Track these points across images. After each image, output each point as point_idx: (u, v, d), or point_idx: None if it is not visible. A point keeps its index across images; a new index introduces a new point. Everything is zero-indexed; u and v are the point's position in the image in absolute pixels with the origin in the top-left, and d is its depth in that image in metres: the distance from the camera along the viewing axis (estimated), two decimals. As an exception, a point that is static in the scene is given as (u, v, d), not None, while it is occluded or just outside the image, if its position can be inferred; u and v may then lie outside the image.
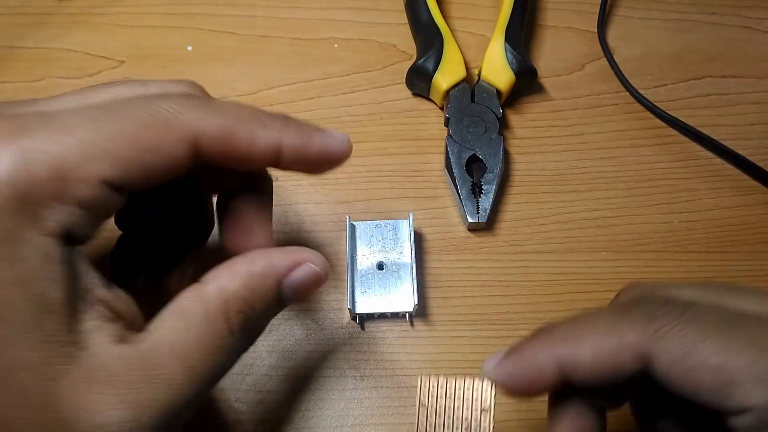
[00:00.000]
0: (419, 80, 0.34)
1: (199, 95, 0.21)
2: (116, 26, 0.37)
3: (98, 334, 0.17)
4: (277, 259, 0.21)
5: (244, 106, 0.20)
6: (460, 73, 0.33)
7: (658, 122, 0.35)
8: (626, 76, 0.36)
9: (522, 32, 0.35)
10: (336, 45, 0.37)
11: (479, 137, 0.33)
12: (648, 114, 0.35)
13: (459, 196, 0.31)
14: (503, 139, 0.32)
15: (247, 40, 0.37)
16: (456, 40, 0.34)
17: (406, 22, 0.37)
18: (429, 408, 0.23)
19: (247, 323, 0.20)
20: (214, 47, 0.37)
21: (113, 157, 0.17)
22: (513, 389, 0.21)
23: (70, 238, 0.17)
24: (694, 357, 0.18)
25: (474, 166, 0.32)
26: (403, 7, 0.37)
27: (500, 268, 0.32)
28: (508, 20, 0.34)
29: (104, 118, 0.18)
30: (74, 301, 0.17)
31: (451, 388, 0.23)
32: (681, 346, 0.18)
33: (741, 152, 0.33)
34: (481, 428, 0.23)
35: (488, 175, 0.32)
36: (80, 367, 0.17)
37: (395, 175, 0.34)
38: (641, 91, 0.35)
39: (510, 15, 0.35)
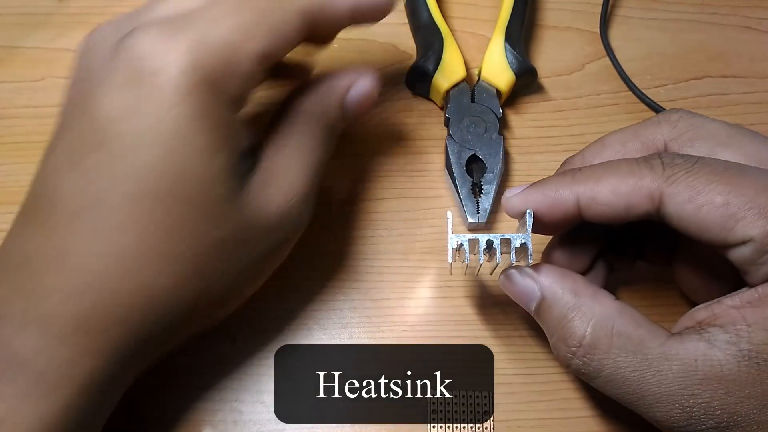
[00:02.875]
0: (419, 80, 0.34)
1: None
2: (116, 26, 0.37)
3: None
4: (338, 78, 0.27)
5: None
6: (460, 73, 0.33)
7: (659, 122, 0.35)
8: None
9: (522, 32, 0.35)
10: (336, 45, 0.37)
11: (479, 137, 0.33)
12: (650, 113, 0.35)
13: (459, 196, 0.31)
14: (503, 139, 0.32)
15: (247, 40, 0.37)
16: (456, 40, 0.34)
17: (406, 22, 0.37)
18: (438, 413, 0.26)
19: (327, 130, 0.26)
20: (214, 47, 0.37)
21: (262, 35, 0.22)
22: (539, 218, 0.24)
23: (237, 107, 0.23)
24: (702, 197, 0.21)
25: (474, 166, 0.32)
26: (403, 7, 0.37)
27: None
28: (508, 20, 0.34)
29: (242, 5, 0.22)
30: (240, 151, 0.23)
31: (456, 397, 0.26)
32: (691, 188, 0.21)
33: (741, 152, 0.33)
34: (483, 428, 0.26)
35: (488, 175, 0.32)
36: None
37: (395, 175, 0.34)
38: (642, 91, 0.35)
39: (510, 15, 0.35)
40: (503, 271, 0.25)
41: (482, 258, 0.25)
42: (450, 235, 0.24)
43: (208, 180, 0.22)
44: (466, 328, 0.30)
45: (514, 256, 0.24)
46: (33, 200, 0.23)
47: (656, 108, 0.35)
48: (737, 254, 0.21)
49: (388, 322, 0.31)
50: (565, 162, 0.27)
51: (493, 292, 0.31)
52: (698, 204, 0.21)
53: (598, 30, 0.37)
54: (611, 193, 0.22)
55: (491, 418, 0.27)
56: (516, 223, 0.26)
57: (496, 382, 0.29)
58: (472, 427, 0.28)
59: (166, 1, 0.24)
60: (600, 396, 0.29)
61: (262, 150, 0.25)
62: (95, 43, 0.24)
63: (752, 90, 0.36)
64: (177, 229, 0.21)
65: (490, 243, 0.24)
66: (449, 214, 0.24)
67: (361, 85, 0.27)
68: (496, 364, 0.30)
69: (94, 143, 0.21)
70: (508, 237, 0.24)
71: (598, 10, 0.37)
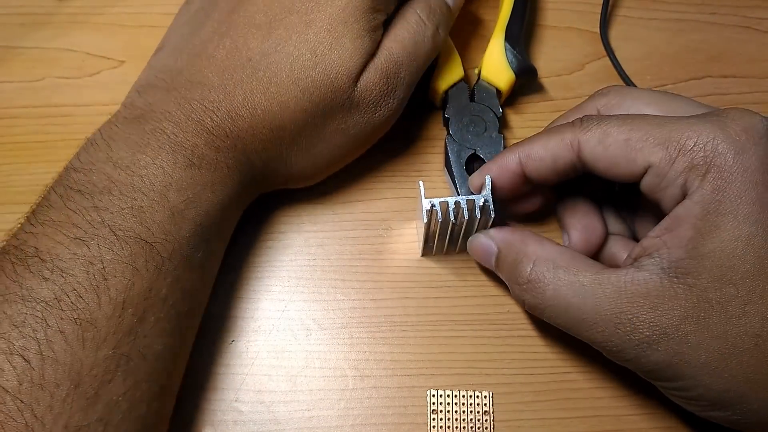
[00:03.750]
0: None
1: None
2: (116, 26, 0.37)
3: None
4: None
5: None
6: (457, 74, 0.33)
7: (659, 122, 0.35)
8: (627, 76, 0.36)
9: (522, 32, 0.35)
10: (336, 45, 0.37)
11: (479, 136, 0.33)
12: (648, 114, 0.35)
13: (459, 195, 0.31)
14: (503, 138, 0.32)
15: (247, 40, 0.37)
16: (453, 40, 0.34)
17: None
18: (439, 414, 0.28)
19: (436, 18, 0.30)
20: (214, 47, 0.37)
21: None
22: (496, 183, 0.28)
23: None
24: (609, 138, 0.25)
25: (475, 165, 0.32)
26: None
27: (500, 268, 0.32)
28: (508, 20, 0.34)
29: None
30: None
31: (456, 397, 0.29)
32: (600, 132, 0.25)
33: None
34: (483, 428, 0.28)
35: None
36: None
37: (395, 175, 0.34)
38: (641, 91, 0.35)
39: (510, 14, 0.35)
40: (469, 239, 0.30)
41: (452, 216, 0.28)
42: (423, 199, 0.27)
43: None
44: (466, 328, 0.30)
45: (478, 212, 0.28)
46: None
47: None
48: (645, 184, 0.24)
49: (388, 322, 0.31)
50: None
51: (493, 292, 0.31)
52: (606, 144, 0.25)
53: (598, 30, 0.37)
54: (541, 147, 0.27)
55: (491, 418, 0.28)
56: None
57: (496, 382, 0.29)
58: (472, 427, 0.28)
59: None
60: (600, 396, 0.29)
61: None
62: None
63: (752, 90, 0.36)
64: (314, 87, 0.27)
65: (458, 203, 0.28)
66: (420, 183, 0.28)
67: None
68: (497, 364, 0.30)
69: None
70: (473, 198, 0.28)
71: (598, 10, 0.37)
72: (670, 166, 0.23)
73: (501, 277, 0.28)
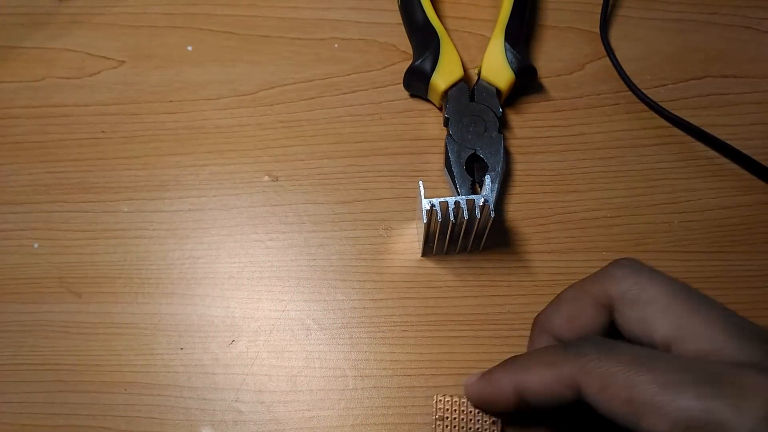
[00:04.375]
0: (417, 81, 0.34)
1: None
2: (116, 26, 0.37)
3: None
4: None
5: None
6: (457, 73, 0.33)
7: (660, 122, 0.35)
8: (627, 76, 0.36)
9: (522, 32, 0.35)
10: (336, 45, 0.37)
11: (479, 136, 0.33)
12: (649, 113, 0.35)
13: (458, 195, 0.31)
14: (503, 138, 0.32)
15: (247, 40, 0.37)
16: (453, 40, 0.34)
17: (406, 22, 0.37)
18: (445, 420, 0.27)
19: None
20: (214, 47, 0.37)
21: None
22: (482, 405, 0.27)
23: None
24: (610, 391, 0.21)
25: (475, 165, 0.32)
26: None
27: (500, 267, 0.32)
28: (508, 20, 0.34)
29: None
30: None
31: (463, 404, 0.27)
32: (600, 379, 0.21)
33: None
34: None
35: (490, 174, 0.32)
36: None
37: (395, 175, 0.34)
38: (642, 91, 0.35)
39: (510, 14, 0.34)
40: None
41: (452, 216, 0.28)
42: (423, 199, 0.27)
43: None
44: (466, 328, 0.30)
45: (478, 212, 0.28)
46: None
47: (656, 108, 0.35)
48: None
49: (388, 322, 0.31)
50: (534, 321, 0.28)
51: (493, 292, 0.31)
52: (607, 397, 0.21)
53: (598, 30, 0.37)
54: (539, 382, 0.23)
55: (499, 428, 0.27)
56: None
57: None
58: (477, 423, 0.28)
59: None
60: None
61: None
62: None
63: (752, 90, 0.36)
64: None
65: (457, 203, 0.27)
66: (420, 183, 0.28)
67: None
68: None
69: None
70: (473, 198, 0.28)
71: (598, 10, 0.37)
72: None
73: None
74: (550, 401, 0.23)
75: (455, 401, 0.27)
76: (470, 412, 0.27)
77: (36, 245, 0.32)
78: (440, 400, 0.28)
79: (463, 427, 0.27)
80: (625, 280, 0.24)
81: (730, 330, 0.22)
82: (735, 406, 0.19)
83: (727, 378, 0.20)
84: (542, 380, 0.23)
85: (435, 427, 0.27)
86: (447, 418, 0.27)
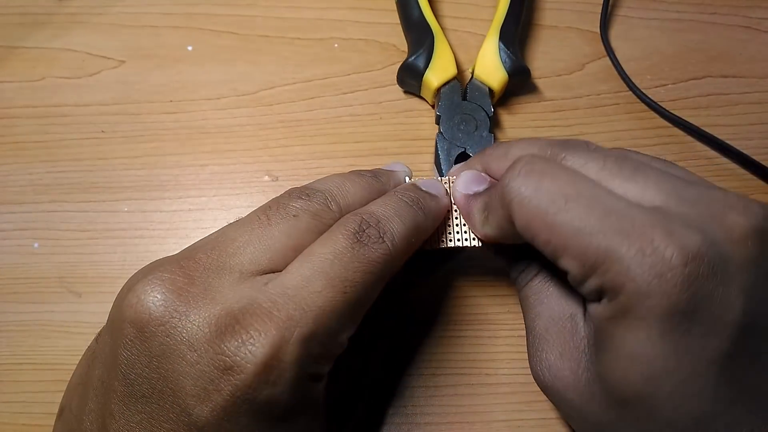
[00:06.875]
0: (410, 78, 0.34)
1: None
2: (116, 26, 0.37)
3: None
4: None
5: None
6: (450, 71, 0.33)
7: (660, 122, 0.35)
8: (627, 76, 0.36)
9: (517, 32, 0.35)
10: (336, 45, 0.37)
11: (470, 135, 0.32)
12: (650, 113, 0.35)
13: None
14: (494, 137, 0.32)
15: (247, 40, 0.37)
16: (448, 39, 0.34)
17: (406, 21, 0.37)
18: None
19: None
20: (214, 47, 0.37)
21: (352, 318, 0.21)
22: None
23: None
24: (533, 229, 0.21)
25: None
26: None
27: (500, 267, 0.32)
28: (504, 20, 0.34)
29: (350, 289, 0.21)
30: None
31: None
32: (525, 219, 0.21)
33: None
34: None
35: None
36: None
37: (395, 175, 0.34)
38: (642, 91, 0.35)
39: (506, 15, 0.34)
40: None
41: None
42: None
43: None
44: (466, 328, 0.30)
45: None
46: None
47: (656, 108, 0.35)
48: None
49: (388, 322, 0.31)
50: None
51: (493, 292, 0.31)
52: (530, 235, 0.22)
53: (598, 30, 0.37)
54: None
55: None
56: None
57: (496, 381, 0.29)
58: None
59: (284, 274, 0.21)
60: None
61: None
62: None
63: (752, 90, 0.36)
64: None
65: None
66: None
67: None
68: (497, 364, 0.30)
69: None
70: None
71: (598, 10, 0.37)
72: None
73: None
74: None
75: None
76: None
77: (36, 245, 0.32)
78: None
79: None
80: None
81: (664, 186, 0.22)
82: (633, 247, 0.19)
83: (638, 222, 0.19)
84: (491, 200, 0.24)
85: None
86: None
